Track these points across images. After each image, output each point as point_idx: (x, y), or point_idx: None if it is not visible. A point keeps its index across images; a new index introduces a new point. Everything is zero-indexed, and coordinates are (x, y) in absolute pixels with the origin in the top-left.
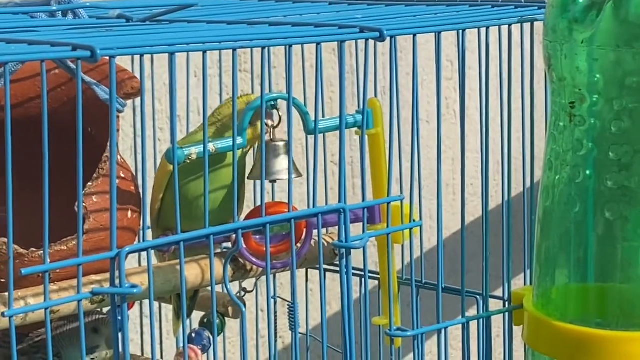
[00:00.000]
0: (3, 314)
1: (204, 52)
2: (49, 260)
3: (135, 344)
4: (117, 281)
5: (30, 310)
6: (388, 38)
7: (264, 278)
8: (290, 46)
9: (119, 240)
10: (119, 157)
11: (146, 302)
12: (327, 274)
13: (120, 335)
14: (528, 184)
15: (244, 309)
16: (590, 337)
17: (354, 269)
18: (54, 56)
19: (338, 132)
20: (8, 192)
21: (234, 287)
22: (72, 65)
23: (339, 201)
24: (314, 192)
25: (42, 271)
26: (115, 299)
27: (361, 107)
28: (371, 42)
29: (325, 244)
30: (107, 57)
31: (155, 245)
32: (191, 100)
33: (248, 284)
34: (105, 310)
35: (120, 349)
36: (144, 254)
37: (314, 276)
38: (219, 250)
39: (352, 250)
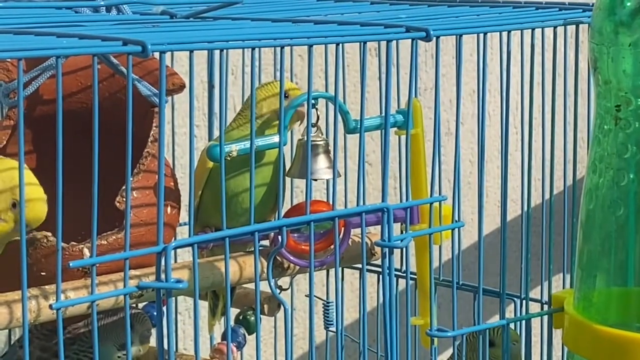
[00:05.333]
0: (51, 306)
1: (252, 49)
2: (95, 254)
3: None
4: (162, 276)
5: (78, 303)
6: (434, 38)
7: (298, 276)
8: (338, 45)
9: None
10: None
11: (180, 298)
12: (359, 273)
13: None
14: (569, 185)
15: (287, 306)
16: (632, 341)
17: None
18: (105, 50)
19: (373, 132)
20: (58, 186)
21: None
22: (115, 61)
23: (382, 200)
24: (358, 191)
25: (89, 264)
26: (161, 293)
27: (400, 107)
28: (407, 42)
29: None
30: (156, 53)
31: (201, 240)
32: (228, 98)
33: (282, 282)
34: (140, 305)
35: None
36: (179, 250)
37: (346, 275)
38: (252, 248)
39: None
